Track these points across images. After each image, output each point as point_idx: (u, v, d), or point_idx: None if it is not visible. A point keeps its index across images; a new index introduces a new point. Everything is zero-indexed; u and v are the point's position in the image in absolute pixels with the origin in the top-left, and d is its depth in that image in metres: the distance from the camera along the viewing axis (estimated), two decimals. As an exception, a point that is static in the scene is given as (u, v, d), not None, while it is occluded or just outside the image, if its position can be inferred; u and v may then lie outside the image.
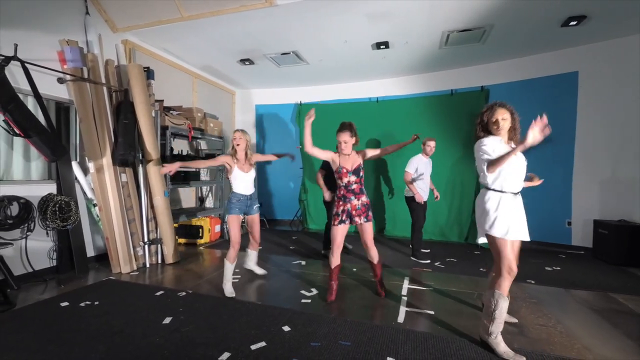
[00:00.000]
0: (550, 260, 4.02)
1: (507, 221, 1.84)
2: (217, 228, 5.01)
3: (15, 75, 2.84)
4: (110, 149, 3.48)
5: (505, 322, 2.11)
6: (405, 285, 3.08)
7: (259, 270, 3.34)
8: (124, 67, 3.82)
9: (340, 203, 2.65)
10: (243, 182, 2.87)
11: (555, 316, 2.42)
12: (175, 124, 4.13)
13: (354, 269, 3.58)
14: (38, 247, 3.17)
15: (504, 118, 1.95)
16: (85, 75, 3.34)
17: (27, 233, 2.97)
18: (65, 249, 3.34)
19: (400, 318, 2.36)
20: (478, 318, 2.26)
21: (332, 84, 5.99)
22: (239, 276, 3.31)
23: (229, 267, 2.84)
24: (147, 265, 3.64)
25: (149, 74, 3.91)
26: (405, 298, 2.75)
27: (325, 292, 2.84)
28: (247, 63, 5.00)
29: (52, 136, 2.81)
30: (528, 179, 2.31)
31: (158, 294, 2.80)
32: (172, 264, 3.74)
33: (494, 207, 1.87)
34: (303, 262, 3.87)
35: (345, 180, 2.65)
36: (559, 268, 3.69)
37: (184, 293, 2.81)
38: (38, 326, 2.19)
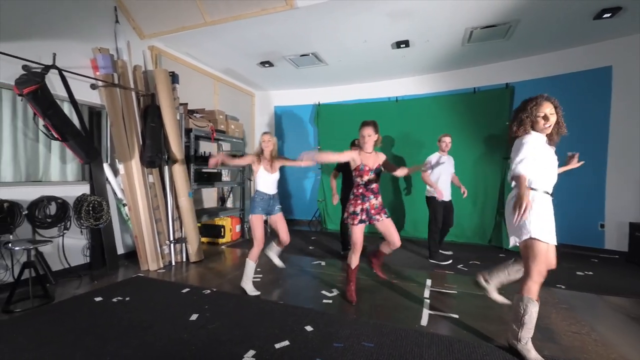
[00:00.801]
0: (581, 264, 3.84)
1: (542, 221, 1.76)
2: (238, 228, 5.11)
3: (52, 82, 3.02)
4: (139, 151, 3.63)
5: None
6: (427, 287, 3.04)
7: (278, 262, 3.29)
8: (150, 72, 3.97)
9: (359, 202, 2.60)
10: (267, 181, 2.89)
11: (589, 323, 2.32)
12: (198, 127, 4.25)
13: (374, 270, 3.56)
14: (73, 244, 3.36)
15: (551, 112, 1.78)
16: (116, 81, 3.50)
17: (64, 231, 3.15)
18: (97, 247, 3.52)
19: (424, 321, 2.33)
20: (505, 323, 2.20)
21: (351, 84, 5.98)
22: (260, 275, 3.37)
23: (251, 265, 2.86)
24: (173, 264, 3.77)
25: (173, 78, 4.04)
26: (428, 301, 2.71)
27: (345, 293, 2.86)
28: (266, 65, 5.08)
29: (86, 139, 2.97)
30: (567, 159, 2.22)
31: (184, 291, 2.90)
32: (195, 263, 3.85)
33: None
34: (323, 263, 3.88)
35: (365, 178, 2.61)
36: (591, 273, 3.53)
37: (208, 291, 2.89)
38: (75, 319, 2.32)
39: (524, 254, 1.83)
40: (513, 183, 1.85)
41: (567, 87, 4.44)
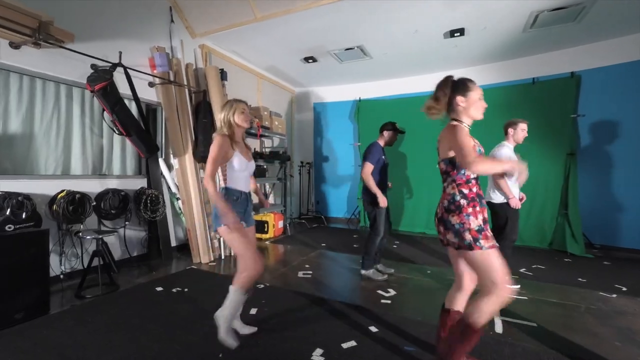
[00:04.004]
0: (666, 273, 3.40)
1: None
2: (280, 224, 5.12)
3: (116, 81, 3.17)
4: (192, 147, 3.72)
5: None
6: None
7: (244, 329, 2.05)
8: (201, 70, 4.07)
9: (477, 208, 1.48)
10: (244, 173, 1.94)
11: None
12: (246, 123, 4.30)
13: (429, 271, 3.38)
14: (132, 235, 3.51)
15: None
16: (172, 79, 3.61)
17: (126, 223, 3.30)
18: (153, 238, 3.66)
19: (498, 328, 2.14)
20: (595, 335, 1.96)
21: (394, 78, 5.78)
22: (311, 271, 3.32)
23: (239, 296, 1.85)
24: (222, 257, 3.83)
25: (222, 75, 4.11)
26: (496, 306, 2.50)
27: (402, 293, 2.73)
28: (310, 61, 5.04)
29: (147, 135, 3.08)
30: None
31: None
32: (243, 257, 3.89)
33: None
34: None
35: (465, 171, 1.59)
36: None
37: (262, 285, 2.88)
38: (141, 307, 2.40)
39: None
40: None
41: (631, 76, 3.97)
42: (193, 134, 3.79)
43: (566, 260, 3.89)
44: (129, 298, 2.58)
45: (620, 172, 4.22)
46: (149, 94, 3.62)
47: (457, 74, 5.01)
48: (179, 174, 3.64)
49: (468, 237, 1.42)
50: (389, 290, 2.83)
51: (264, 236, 4.85)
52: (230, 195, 1.88)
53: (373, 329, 2.09)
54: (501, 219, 2.90)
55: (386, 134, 3.22)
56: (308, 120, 6.77)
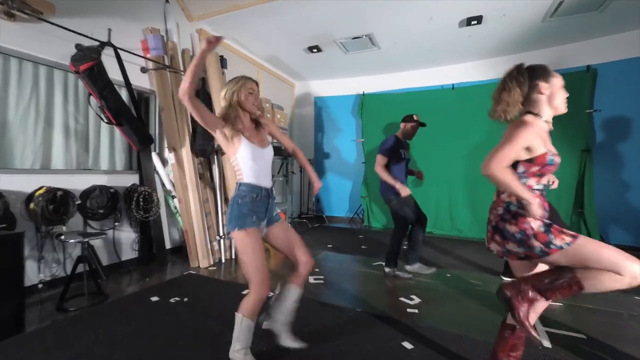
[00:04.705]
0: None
1: None
2: (282, 224, 4.81)
3: (104, 65, 2.81)
4: (189, 140, 3.38)
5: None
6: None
7: (293, 344, 1.70)
8: (199, 56, 3.72)
9: (526, 219, 1.24)
10: (260, 163, 1.57)
11: None
12: (247, 114, 3.98)
13: (448, 275, 3.15)
14: (123, 237, 3.16)
15: None
16: (167, 63, 3.26)
17: (115, 223, 2.94)
18: (146, 241, 3.30)
19: (546, 343, 1.90)
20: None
21: (400, 71, 5.54)
22: (322, 275, 3.04)
23: (247, 325, 1.50)
24: (223, 261, 3.50)
25: (222, 62, 3.78)
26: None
27: (429, 300, 2.48)
28: (314, 51, 4.74)
29: (140, 125, 2.74)
30: None
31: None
32: (245, 260, 3.57)
33: None
34: (384, 263, 3.50)
35: (546, 179, 1.35)
36: None
37: (270, 293, 2.57)
38: (135, 321, 2.06)
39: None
40: None
41: None
42: (190, 125, 3.45)
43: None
44: (120, 310, 2.24)
45: (636, 169, 4.08)
46: (140, 81, 3.26)
47: (465, 67, 4.79)
48: (175, 169, 3.29)
49: (537, 244, 1.20)
50: (412, 297, 2.57)
51: (265, 237, 4.53)
52: (248, 192, 1.55)
53: (407, 345, 1.83)
54: None
55: (403, 125, 2.98)
56: (308, 115, 6.47)
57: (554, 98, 1.30)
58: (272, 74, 5.66)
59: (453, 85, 5.10)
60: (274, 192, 1.69)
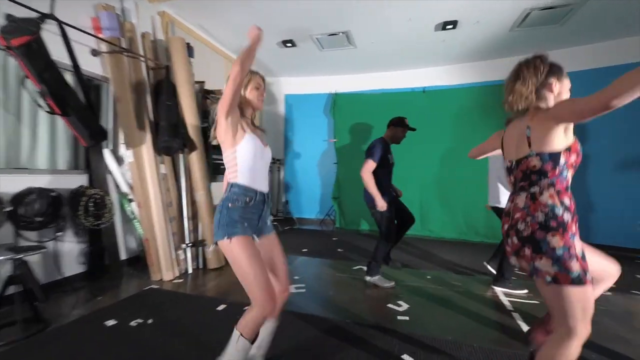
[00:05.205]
0: (633, 266, 3.63)
1: None
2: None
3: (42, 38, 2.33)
4: (151, 135, 2.97)
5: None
6: (501, 294, 2.66)
7: None
8: (161, 42, 3.32)
9: (575, 226, 1.12)
10: (260, 163, 1.40)
11: None
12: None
13: (428, 276, 3.14)
14: (67, 249, 2.67)
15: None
16: (124, 46, 2.83)
17: (58, 233, 2.46)
18: (96, 252, 2.84)
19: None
20: (627, 342, 1.84)
21: (373, 72, 5.52)
22: (303, 284, 2.85)
23: (242, 345, 1.30)
24: (190, 272, 3.14)
25: (189, 50, 3.40)
26: (517, 314, 2.31)
27: (417, 305, 2.43)
28: (288, 45, 4.51)
29: (91, 115, 2.31)
30: None
31: (221, 308, 2.31)
32: (216, 270, 3.24)
33: None
34: (365, 268, 3.40)
35: (571, 172, 1.17)
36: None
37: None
38: (90, 353, 1.70)
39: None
40: None
41: (600, 82, 4.22)
42: (152, 119, 3.04)
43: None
44: (66, 341, 1.84)
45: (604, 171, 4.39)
46: (91, 65, 2.79)
47: (439, 71, 4.87)
48: (134, 169, 2.87)
49: (576, 267, 1.05)
50: (400, 303, 2.49)
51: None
52: (241, 195, 1.33)
53: (407, 357, 1.72)
54: None
55: (393, 129, 2.90)
56: (278, 113, 6.21)
57: (561, 97, 1.25)
58: (241, 67, 5.31)
59: (424, 88, 5.20)
60: (269, 198, 1.47)
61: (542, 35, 4.01)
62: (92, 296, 2.51)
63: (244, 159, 1.34)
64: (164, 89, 2.99)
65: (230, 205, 1.31)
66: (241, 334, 1.29)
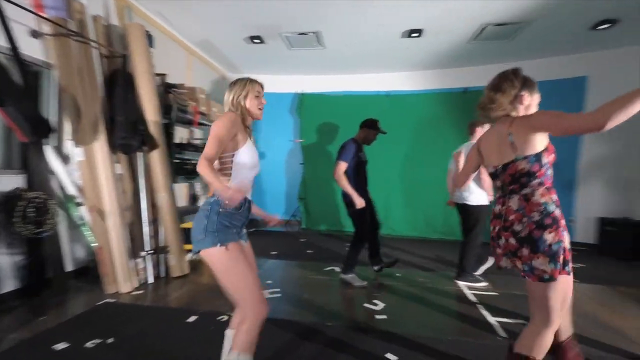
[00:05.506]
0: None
1: None
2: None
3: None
4: (105, 131, 2.66)
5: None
6: (465, 288, 2.86)
7: None
8: (116, 29, 2.98)
9: (562, 221, 1.19)
10: (253, 172, 1.38)
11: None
12: (181, 105, 3.37)
13: (398, 274, 3.25)
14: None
15: None
16: (72, 29, 2.49)
17: (-13, 244, 2.08)
18: (35, 264, 2.45)
19: (501, 331, 2.08)
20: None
21: (339, 73, 5.58)
22: (278, 288, 2.77)
23: None
24: (150, 281, 2.87)
25: (149, 39, 3.11)
26: (481, 306, 2.49)
27: (393, 304, 2.50)
28: (255, 41, 4.36)
29: (33, 107, 1.99)
30: None
31: (191, 320, 2.14)
32: (180, 278, 3.01)
33: None
34: (337, 269, 3.42)
35: (551, 169, 1.26)
36: (583, 265, 3.77)
37: (225, 317, 2.18)
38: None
39: None
40: None
41: (546, 94, 4.77)
42: (106, 112, 2.72)
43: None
44: (6, 372, 1.56)
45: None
46: (29, 49, 2.40)
47: (402, 76, 5.07)
48: (85, 168, 2.54)
49: (565, 258, 1.16)
50: (376, 302, 2.53)
51: (186, 247, 3.95)
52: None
53: (392, 356, 1.75)
54: (472, 221, 2.94)
55: (365, 130, 2.96)
56: (242, 111, 5.98)
57: (529, 110, 1.35)
58: (204, 61, 5.01)
59: (387, 92, 5.39)
60: (251, 205, 1.40)
61: (495, 48, 4.39)
62: (32, 316, 2.16)
63: (241, 165, 1.31)
64: (119, 80, 2.70)
65: (221, 210, 1.24)
66: (239, 354, 1.19)
